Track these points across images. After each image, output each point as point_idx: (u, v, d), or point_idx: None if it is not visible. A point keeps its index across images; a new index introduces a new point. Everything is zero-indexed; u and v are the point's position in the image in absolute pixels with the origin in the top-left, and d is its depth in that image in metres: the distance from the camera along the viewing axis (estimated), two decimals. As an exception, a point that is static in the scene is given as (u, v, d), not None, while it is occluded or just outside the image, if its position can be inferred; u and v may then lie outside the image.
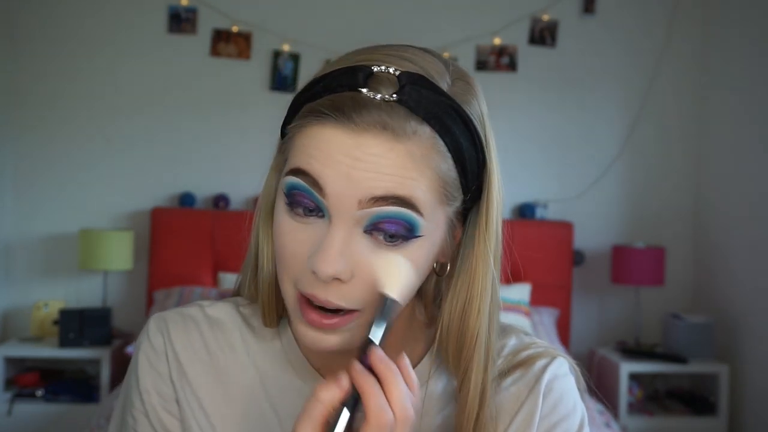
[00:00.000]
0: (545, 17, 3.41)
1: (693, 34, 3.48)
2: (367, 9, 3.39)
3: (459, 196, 0.64)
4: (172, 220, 3.16)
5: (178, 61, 3.32)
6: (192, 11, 3.30)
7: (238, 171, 3.27)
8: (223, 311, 0.76)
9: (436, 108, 0.61)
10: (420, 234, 0.61)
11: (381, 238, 0.61)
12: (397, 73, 0.61)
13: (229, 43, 3.32)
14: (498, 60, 3.41)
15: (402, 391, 0.57)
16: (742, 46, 3.19)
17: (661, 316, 3.36)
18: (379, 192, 0.59)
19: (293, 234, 0.62)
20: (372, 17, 3.37)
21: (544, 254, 3.19)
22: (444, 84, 0.63)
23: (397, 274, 0.60)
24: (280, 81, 3.33)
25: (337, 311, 0.62)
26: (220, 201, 3.24)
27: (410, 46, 0.66)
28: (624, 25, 3.47)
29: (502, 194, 0.68)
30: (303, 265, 0.62)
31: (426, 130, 0.60)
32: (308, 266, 0.61)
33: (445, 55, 3.46)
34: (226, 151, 3.30)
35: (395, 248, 0.61)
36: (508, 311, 2.83)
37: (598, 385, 3.23)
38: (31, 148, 3.26)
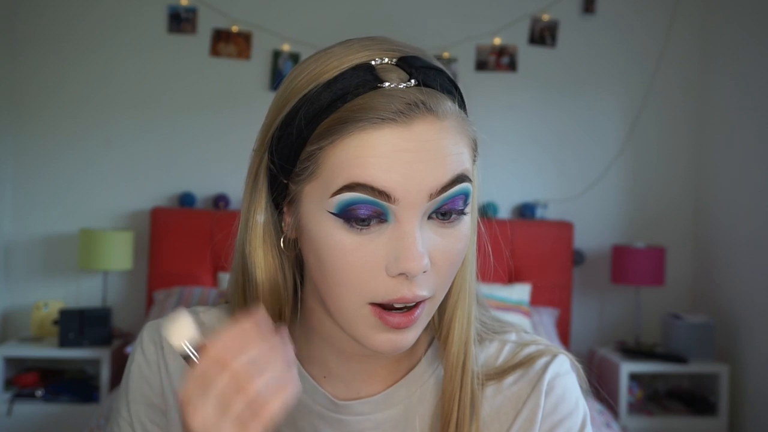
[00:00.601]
0: (545, 17, 3.41)
1: (693, 34, 3.48)
2: (368, 9, 3.39)
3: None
4: (172, 220, 3.16)
5: (178, 61, 3.32)
6: (192, 11, 3.30)
7: (238, 171, 3.25)
8: (217, 316, 0.76)
9: (445, 81, 0.62)
10: (470, 201, 0.63)
11: (438, 218, 0.61)
12: (394, 60, 0.61)
13: (229, 43, 3.32)
14: (498, 60, 3.40)
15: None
16: (742, 45, 3.19)
17: (661, 316, 3.36)
18: (447, 179, 0.59)
19: (360, 250, 0.60)
20: (372, 17, 3.37)
21: (544, 254, 3.19)
22: (423, 57, 0.63)
23: (181, 328, 0.57)
24: (280, 81, 3.32)
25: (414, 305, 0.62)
26: (220, 201, 3.24)
27: (354, 39, 0.65)
28: (624, 24, 3.47)
29: None
30: (381, 276, 0.60)
31: (451, 104, 0.61)
32: (393, 272, 0.59)
33: (445, 55, 3.48)
34: (226, 151, 3.29)
35: (451, 224, 0.62)
36: (508, 311, 2.82)
37: (598, 385, 3.23)
38: (31, 148, 3.26)
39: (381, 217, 0.59)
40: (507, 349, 0.73)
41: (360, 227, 0.59)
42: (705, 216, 3.41)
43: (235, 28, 3.32)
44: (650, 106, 3.48)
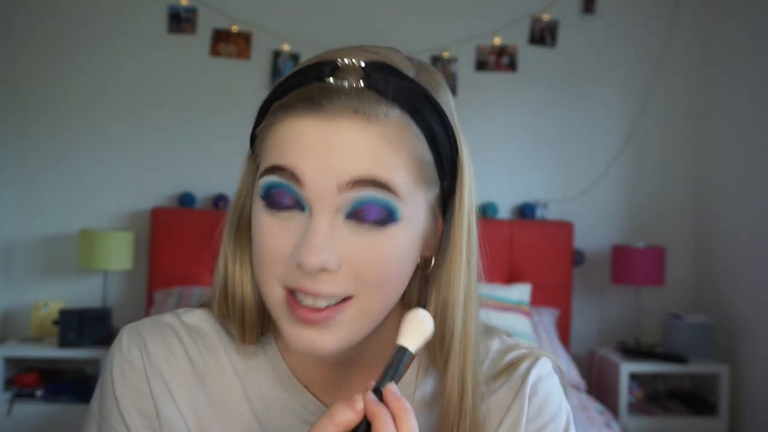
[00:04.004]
0: (545, 17, 3.41)
1: (693, 33, 3.48)
2: (368, 9, 3.39)
3: (436, 181, 0.64)
4: (172, 220, 3.16)
5: (178, 61, 3.32)
6: (192, 11, 3.30)
7: (238, 171, 3.25)
8: (200, 318, 0.74)
9: (405, 92, 0.61)
10: (400, 217, 0.61)
11: (363, 223, 0.60)
12: (363, 63, 0.61)
13: (229, 43, 3.32)
14: (498, 60, 3.40)
15: (413, 428, 0.56)
16: (742, 45, 3.19)
17: (661, 316, 3.36)
18: (357, 174, 0.58)
19: (274, 231, 0.61)
20: (372, 17, 3.37)
21: (544, 254, 3.19)
22: (410, 72, 0.63)
23: (418, 328, 0.59)
24: (280, 81, 3.32)
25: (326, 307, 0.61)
26: (220, 201, 3.24)
27: (376, 45, 0.67)
28: (624, 24, 3.47)
29: (473, 188, 0.68)
30: (287, 261, 0.60)
31: (396, 113, 0.60)
32: (294, 260, 0.59)
33: (445, 55, 3.47)
34: (226, 151, 3.28)
35: (377, 230, 0.60)
36: (508, 311, 2.82)
37: (598, 385, 3.23)
38: (31, 148, 3.26)
39: (298, 205, 0.60)
40: (491, 355, 0.73)
41: (278, 210, 0.61)
42: (705, 216, 3.41)
43: (235, 28, 3.32)
44: (650, 106, 3.48)
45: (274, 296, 0.62)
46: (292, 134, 0.60)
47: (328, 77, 0.60)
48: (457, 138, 0.66)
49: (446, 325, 0.67)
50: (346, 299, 0.61)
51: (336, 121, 0.59)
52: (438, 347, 0.68)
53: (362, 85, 0.60)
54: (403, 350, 0.59)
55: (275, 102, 0.63)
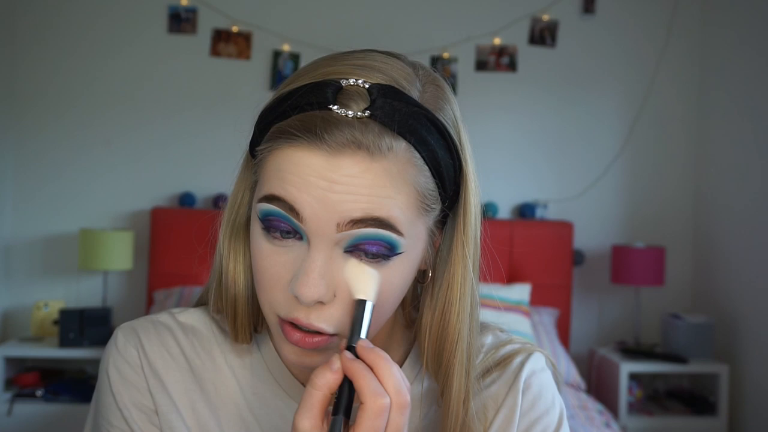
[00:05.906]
0: (545, 17, 3.41)
1: (693, 34, 3.48)
2: (367, 9, 3.39)
3: (438, 206, 0.63)
4: (172, 220, 3.16)
5: (178, 61, 3.32)
6: (192, 11, 3.30)
7: (238, 171, 3.26)
8: (195, 318, 0.74)
9: (410, 119, 0.59)
10: (401, 251, 0.60)
11: (363, 256, 0.59)
12: (367, 85, 0.59)
13: (229, 43, 3.32)
14: (498, 60, 3.41)
15: (395, 375, 0.56)
16: (741, 46, 3.19)
17: (661, 316, 3.36)
18: (357, 214, 0.57)
19: (272, 258, 0.61)
20: (372, 17, 3.37)
21: (544, 254, 3.19)
22: (415, 92, 0.61)
23: (367, 278, 0.59)
24: (280, 81, 3.33)
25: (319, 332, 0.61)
26: (220, 201, 3.24)
27: (375, 51, 0.64)
28: (624, 25, 3.47)
29: (479, 197, 0.67)
30: (284, 289, 0.61)
31: (401, 145, 0.59)
32: (290, 291, 0.60)
33: (445, 55, 3.47)
34: (227, 151, 3.27)
35: (377, 265, 0.60)
36: (508, 311, 2.82)
37: (597, 384, 3.23)
38: (32, 149, 3.26)
39: (297, 234, 0.60)
40: (484, 350, 0.74)
41: (279, 237, 0.60)
42: (705, 216, 3.41)
43: (235, 28, 3.32)
44: (650, 106, 3.48)
45: (269, 317, 0.64)
46: (292, 164, 0.58)
47: (332, 104, 0.58)
48: (462, 155, 0.64)
49: (446, 336, 0.66)
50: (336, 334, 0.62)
51: (338, 156, 0.57)
52: (435, 356, 0.67)
53: (366, 114, 0.57)
54: (362, 303, 0.59)
55: (275, 123, 0.61)
